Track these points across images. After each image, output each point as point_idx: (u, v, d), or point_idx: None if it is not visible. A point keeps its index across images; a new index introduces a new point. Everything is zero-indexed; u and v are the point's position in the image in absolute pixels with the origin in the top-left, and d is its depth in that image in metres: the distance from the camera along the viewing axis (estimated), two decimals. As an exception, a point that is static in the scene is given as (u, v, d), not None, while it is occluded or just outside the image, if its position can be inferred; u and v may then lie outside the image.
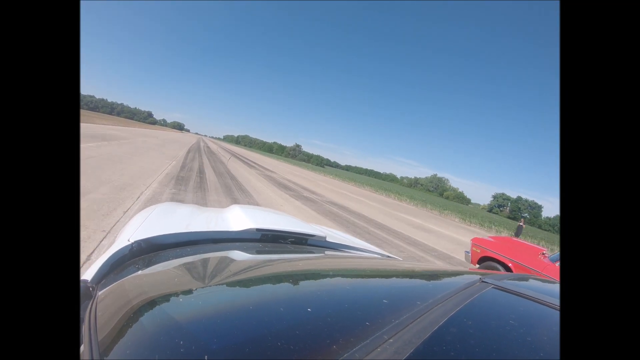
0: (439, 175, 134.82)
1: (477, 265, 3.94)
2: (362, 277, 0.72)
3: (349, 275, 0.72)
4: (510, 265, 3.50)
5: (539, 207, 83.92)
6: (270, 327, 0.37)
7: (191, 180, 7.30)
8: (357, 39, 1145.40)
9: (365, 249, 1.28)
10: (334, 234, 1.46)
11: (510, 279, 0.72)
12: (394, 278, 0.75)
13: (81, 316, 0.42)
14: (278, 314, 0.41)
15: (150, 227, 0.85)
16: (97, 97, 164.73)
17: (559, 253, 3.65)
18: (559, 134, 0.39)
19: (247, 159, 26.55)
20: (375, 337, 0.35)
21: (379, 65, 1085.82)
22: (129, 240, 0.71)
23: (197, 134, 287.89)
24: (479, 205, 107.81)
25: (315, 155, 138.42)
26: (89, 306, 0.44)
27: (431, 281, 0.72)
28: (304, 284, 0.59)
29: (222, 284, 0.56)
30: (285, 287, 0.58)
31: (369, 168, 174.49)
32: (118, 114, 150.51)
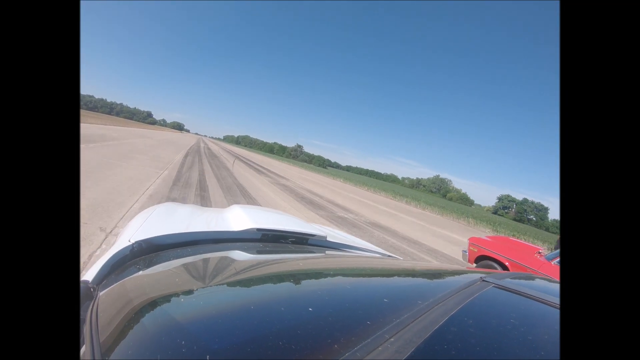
0: (441, 176, 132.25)
1: (475, 264, 3.96)
2: (363, 277, 0.72)
3: (349, 274, 0.72)
4: (507, 264, 3.51)
5: (545, 209, 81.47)
6: (271, 326, 0.37)
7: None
8: (357, 39, 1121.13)
9: (365, 249, 1.28)
10: (335, 234, 1.47)
11: (511, 278, 0.73)
12: (395, 277, 0.75)
13: (82, 317, 0.42)
14: (279, 314, 0.41)
15: (150, 227, 0.86)
16: (96, 97, 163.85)
17: (554, 251, 3.64)
18: (559, 133, 0.39)
19: (252, 162, 25.06)
20: (376, 336, 0.35)
21: (379, 64, 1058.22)
22: (129, 241, 0.72)
23: (197, 134, 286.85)
24: (482, 206, 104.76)
25: (317, 156, 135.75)
26: (90, 307, 0.44)
27: (432, 280, 0.72)
28: (305, 284, 0.59)
29: (223, 284, 0.56)
30: (286, 286, 0.58)
31: (369, 168, 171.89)
32: (117, 114, 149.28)
